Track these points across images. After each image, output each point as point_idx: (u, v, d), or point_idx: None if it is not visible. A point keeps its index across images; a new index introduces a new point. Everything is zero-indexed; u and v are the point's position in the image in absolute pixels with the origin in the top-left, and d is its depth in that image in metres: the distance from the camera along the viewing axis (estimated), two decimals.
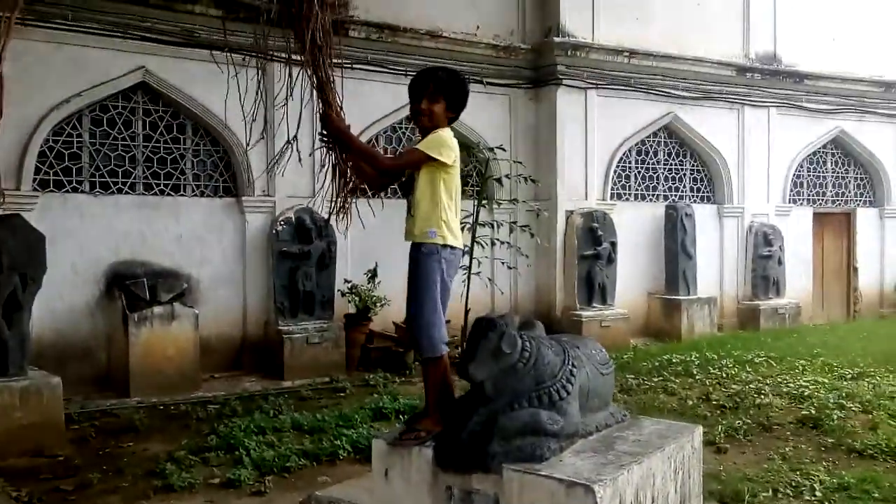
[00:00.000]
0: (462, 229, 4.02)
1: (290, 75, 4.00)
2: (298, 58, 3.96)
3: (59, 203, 8.78)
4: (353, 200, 4.14)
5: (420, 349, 3.69)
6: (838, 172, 15.39)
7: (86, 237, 8.88)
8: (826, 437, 6.69)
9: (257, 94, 4.34)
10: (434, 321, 3.63)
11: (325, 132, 3.84)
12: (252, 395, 8.49)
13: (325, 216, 9.33)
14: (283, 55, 4.12)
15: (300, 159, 4.31)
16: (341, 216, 4.09)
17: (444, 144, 3.69)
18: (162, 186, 9.54)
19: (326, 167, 3.97)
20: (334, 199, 4.05)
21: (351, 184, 4.03)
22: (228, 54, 5.89)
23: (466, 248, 9.56)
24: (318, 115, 3.88)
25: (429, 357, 3.67)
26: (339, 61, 4.06)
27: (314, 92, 3.94)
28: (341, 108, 3.98)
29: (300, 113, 4.09)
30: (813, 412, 7.32)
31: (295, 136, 4.21)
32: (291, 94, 4.05)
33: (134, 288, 8.67)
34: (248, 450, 6.21)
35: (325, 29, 3.94)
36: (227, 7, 9.24)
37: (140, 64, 9.14)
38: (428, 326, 3.62)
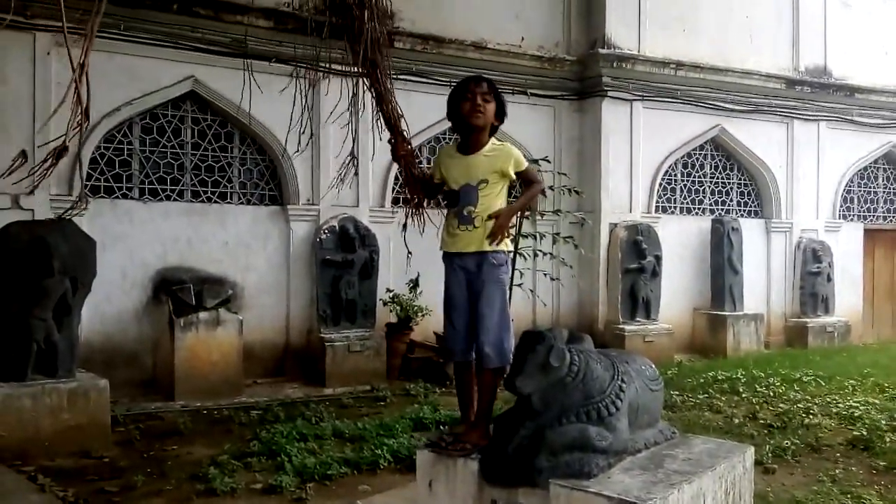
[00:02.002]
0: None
1: (346, 87, 4.04)
2: (355, 69, 4.00)
3: (110, 209, 8.94)
4: (423, 209, 4.17)
5: (484, 359, 3.64)
6: (890, 188, 15.04)
7: (135, 243, 9.03)
8: (877, 459, 6.50)
9: (304, 105, 4.40)
10: (504, 332, 3.66)
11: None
12: (294, 402, 8.54)
13: (376, 228, 9.46)
14: (336, 67, 4.16)
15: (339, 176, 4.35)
16: (416, 224, 4.15)
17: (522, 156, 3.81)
18: (209, 194, 9.68)
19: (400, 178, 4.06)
20: (408, 210, 4.11)
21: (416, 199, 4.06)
22: (275, 64, 5.96)
23: (510, 255, 9.50)
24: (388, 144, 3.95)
25: (494, 367, 3.65)
26: (394, 73, 4.10)
27: (376, 106, 3.98)
28: (402, 117, 4.01)
29: (375, 128, 4.12)
30: (864, 433, 7.14)
31: (352, 154, 4.26)
32: (348, 107, 4.09)
33: (180, 293, 8.78)
34: (289, 456, 6.23)
35: (378, 42, 3.96)
36: (277, 18, 9.37)
37: (189, 73, 9.29)
38: (500, 336, 3.64)
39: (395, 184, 10.46)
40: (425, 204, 4.13)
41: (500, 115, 3.82)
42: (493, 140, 3.79)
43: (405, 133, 4.03)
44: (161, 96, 9.23)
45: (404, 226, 4.40)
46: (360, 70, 3.98)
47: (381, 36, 4.01)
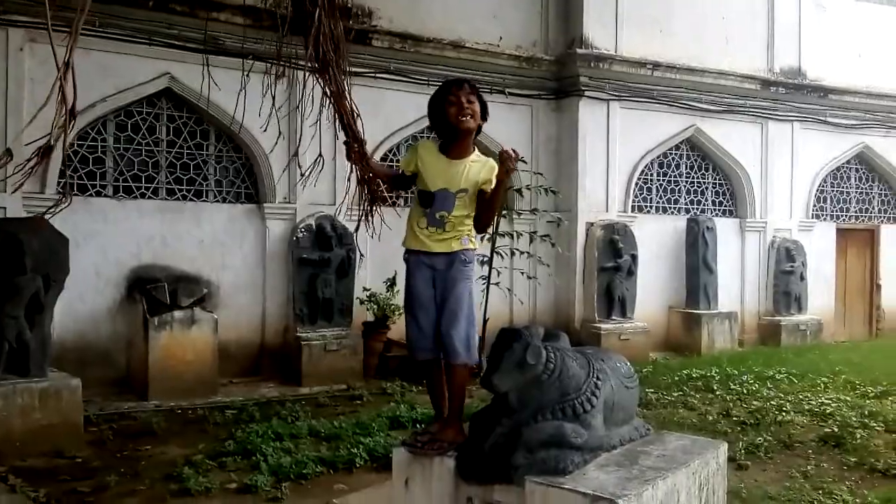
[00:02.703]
0: (482, 240, 4.01)
1: (303, 82, 4.02)
2: (310, 64, 3.97)
3: (83, 207, 8.83)
4: (376, 208, 4.16)
5: (453, 355, 3.62)
6: (862, 188, 15.24)
7: (108, 241, 8.95)
8: (848, 455, 6.60)
9: (273, 101, 4.38)
10: (471, 328, 3.65)
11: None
12: (269, 401, 8.50)
13: (353, 227, 9.47)
14: (302, 63, 4.13)
15: (308, 171, 4.34)
16: (367, 227, 4.12)
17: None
18: (185, 192, 9.60)
19: (350, 180, 3.97)
20: (360, 207, 4.06)
21: (375, 191, 4.04)
22: (250, 61, 5.92)
23: (485, 258, 9.53)
24: (341, 141, 3.91)
25: (462, 363, 3.63)
26: (357, 70, 4.08)
27: (332, 106, 3.96)
28: (358, 116, 3.98)
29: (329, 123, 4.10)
30: (835, 430, 7.24)
31: (320, 154, 4.25)
32: (303, 104, 4.07)
33: (155, 292, 8.71)
34: (265, 456, 6.21)
35: (334, 41, 3.92)
36: (253, 15, 9.30)
37: (165, 70, 9.21)
38: (468, 333, 3.63)
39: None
40: (380, 199, 4.12)
41: (484, 114, 3.77)
42: (476, 151, 3.74)
43: (360, 134, 3.97)
44: (136, 93, 9.15)
45: (356, 228, 4.40)
46: (313, 67, 3.94)
47: (333, 32, 3.95)
